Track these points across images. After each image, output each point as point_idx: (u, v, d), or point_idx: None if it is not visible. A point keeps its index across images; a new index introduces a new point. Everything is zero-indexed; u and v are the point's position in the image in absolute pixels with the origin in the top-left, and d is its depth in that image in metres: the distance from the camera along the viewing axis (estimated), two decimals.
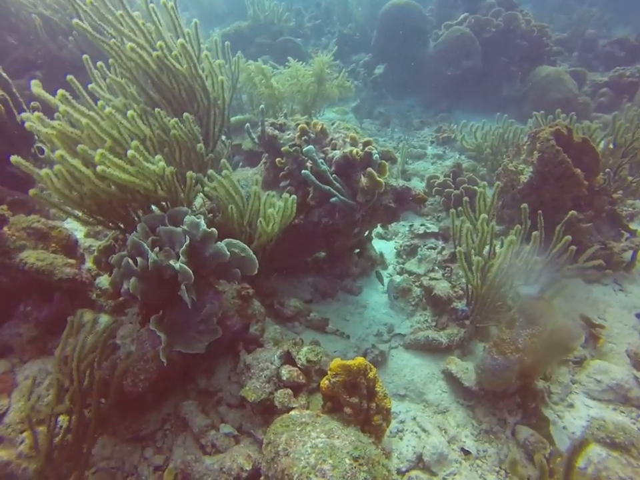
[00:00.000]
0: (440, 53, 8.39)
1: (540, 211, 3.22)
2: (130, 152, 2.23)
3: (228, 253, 2.37)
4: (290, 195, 2.80)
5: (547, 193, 4.04)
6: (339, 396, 2.38)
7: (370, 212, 3.59)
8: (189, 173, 2.55)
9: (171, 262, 2.22)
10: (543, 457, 2.07)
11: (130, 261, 2.19)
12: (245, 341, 2.91)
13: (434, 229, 4.80)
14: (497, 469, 2.66)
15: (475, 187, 4.69)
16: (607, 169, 4.29)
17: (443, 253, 4.43)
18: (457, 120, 7.63)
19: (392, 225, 5.05)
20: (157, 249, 2.25)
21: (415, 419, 3.05)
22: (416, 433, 2.93)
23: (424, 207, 5.24)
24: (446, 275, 4.03)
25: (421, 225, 4.91)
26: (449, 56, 8.19)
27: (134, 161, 2.27)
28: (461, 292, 3.86)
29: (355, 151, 2.95)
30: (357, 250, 4.23)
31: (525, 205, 3.12)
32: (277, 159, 3.23)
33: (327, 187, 2.99)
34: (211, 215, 2.94)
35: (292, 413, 2.37)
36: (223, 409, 2.73)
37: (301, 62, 6.23)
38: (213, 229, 2.34)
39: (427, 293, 3.86)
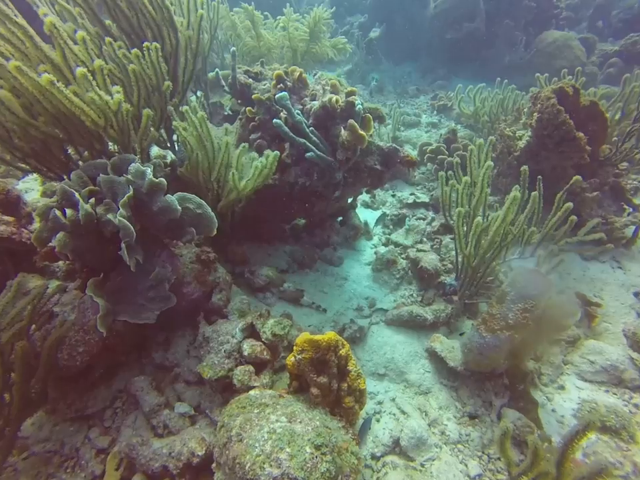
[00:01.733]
0: (440, 14, 7.83)
1: (540, 177, 2.89)
2: (80, 70, 1.84)
3: (179, 207, 2.02)
4: (273, 151, 2.43)
5: (546, 161, 3.71)
6: (306, 375, 2.10)
7: (353, 174, 3.24)
8: (146, 111, 2.15)
9: (109, 216, 1.87)
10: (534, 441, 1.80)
11: (58, 212, 1.84)
12: (207, 311, 2.60)
13: (424, 198, 4.47)
14: (480, 453, 2.43)
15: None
16: (614, 138, 3.95)
17: (433, 224, 4.11)
18: (454, 89, 7.17)
19: (379, 192, 4.72)
20: (92, 200, 1.89)
21: (394, 400, 2.81)
22: (394, 415, 2.69)
23: (414, 175, 4.89)
24: (435, 246, 3.73)
25: (411, 195, 4.57)
26: (450, 17, 7.64)
27: (84, 86, 1.88)
28: (450, 265, 3.58)
29: (334, 99, 2.57)
30: (340, 218, 3.90)
31: (525, 167, 2.78)
32: (247, 108, 2.84)
33: (302, 140, 2.62)
34: (169, 168, 2.56)
35: (251, 392, 2.09)
36: (180, 386, 2.45)
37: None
38: (161, 179, 1.98)
39: (414, 266, 3.56)
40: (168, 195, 2.02)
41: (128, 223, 1.82)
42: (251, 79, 3.14)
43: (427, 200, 4.45)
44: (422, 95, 7.49)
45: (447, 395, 2.80)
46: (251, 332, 2.40)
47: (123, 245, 1.85)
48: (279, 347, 2.38)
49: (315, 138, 2.70)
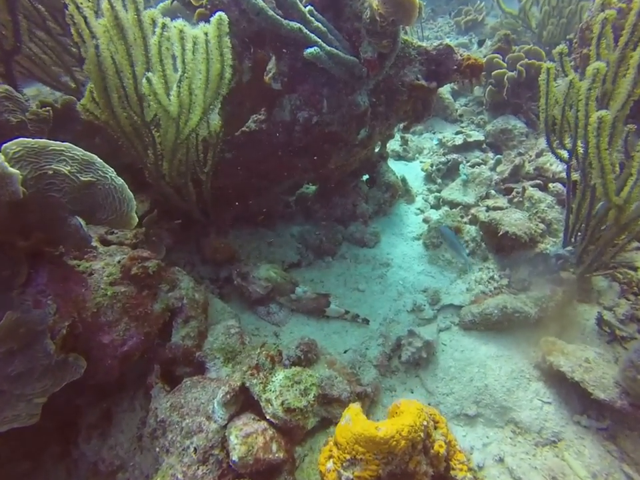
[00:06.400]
0: None
1: None
2: None
3: (15, 172, 0.83)
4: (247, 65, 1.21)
5: None
6: None
7: (384, 98, 1.99)
8: None
9: None
10: None
11: None
12: (164, 361, 1.46)
13: (478, 136, 3.18)
14: None
15: (543, 63, 3.02)
16: None
17: (499, 168, 2.85)
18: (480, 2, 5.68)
19: (410, 136, 3.45)
20: None
21: (502, 460, 1.67)
22: None
23: (455, 109, 3.58)
24: (515, 200, 2.49)
25: (457, 134, 3.28)
26: None
27: None
28: (542, 226, 2.35)
29: None
30: (366, 176, 2.67)
31: None
32: None
33: (296, 26, 1.38)
34: (49, 109, 1.35)
35: None
36: None
37: None
38: None
39: (488, 233, 2.34)
40: None
41: None
42: None
43: (481, 138, 3.16)
44: (439, 17, 6.01)
45: (596, 447, 1.64)
46: (244, 401, 1.25)
47: None
48: (300, 426, 1.22)
49: (317, 23, 1.45)
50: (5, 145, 0.87)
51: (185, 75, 1.21)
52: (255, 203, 2.30)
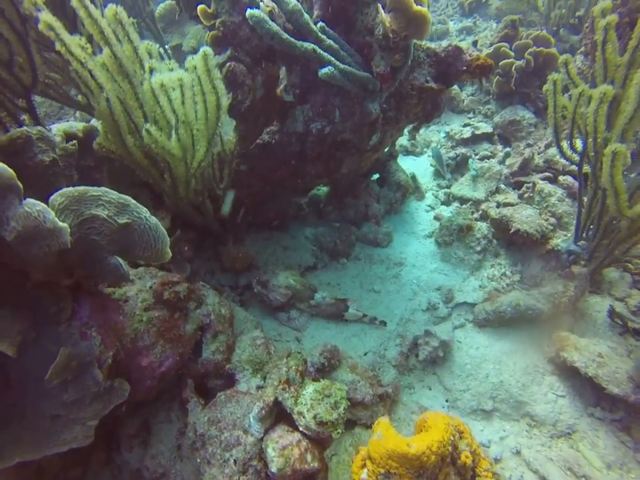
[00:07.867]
0: None
1: None
2: None
3: (63, 225, 0.89)
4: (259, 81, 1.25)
5: None
6: None
7: (394, 103, 2.00)
8: None
9: None
10: None
11: None
12: (196, 375, 1.54)
13: (486, 128, 3.17)
14: None
15: (553, 50, 2.99)
16: None
17: (509, 161, 2.86)
18: None
19: (421, 130, 3.43)
20: None
21: (519, 453, 1.75)
22: None
23: (462, 99, 3.56)
24: (526, 195, 2.51)
25: (465, 126, 3.27)
26: None
27: None
28: (553, 220, 2.38)
29: None
30: (376, 175, 2.69)
31: None
32: (200, 7, 1.58)
33: (310, 47, 1.39)
34: (73, 142, 1.39)
35: None
36: None
37: None
38: None
39: (500, 229, 2.38)
40: (31, 200, 0.87)
41: None
42: None
43: (489, 130, 3.16)
44: None
45: (610, 438, 1.72)
46: (277, 413, 1.33)
47: None
48: (331, 437, 1.30)
49: (330, 40, 1.46)
50: (51, 197, 0.92)
51: (180, 121, 1.25)
52: (269, 208, 2.35)
